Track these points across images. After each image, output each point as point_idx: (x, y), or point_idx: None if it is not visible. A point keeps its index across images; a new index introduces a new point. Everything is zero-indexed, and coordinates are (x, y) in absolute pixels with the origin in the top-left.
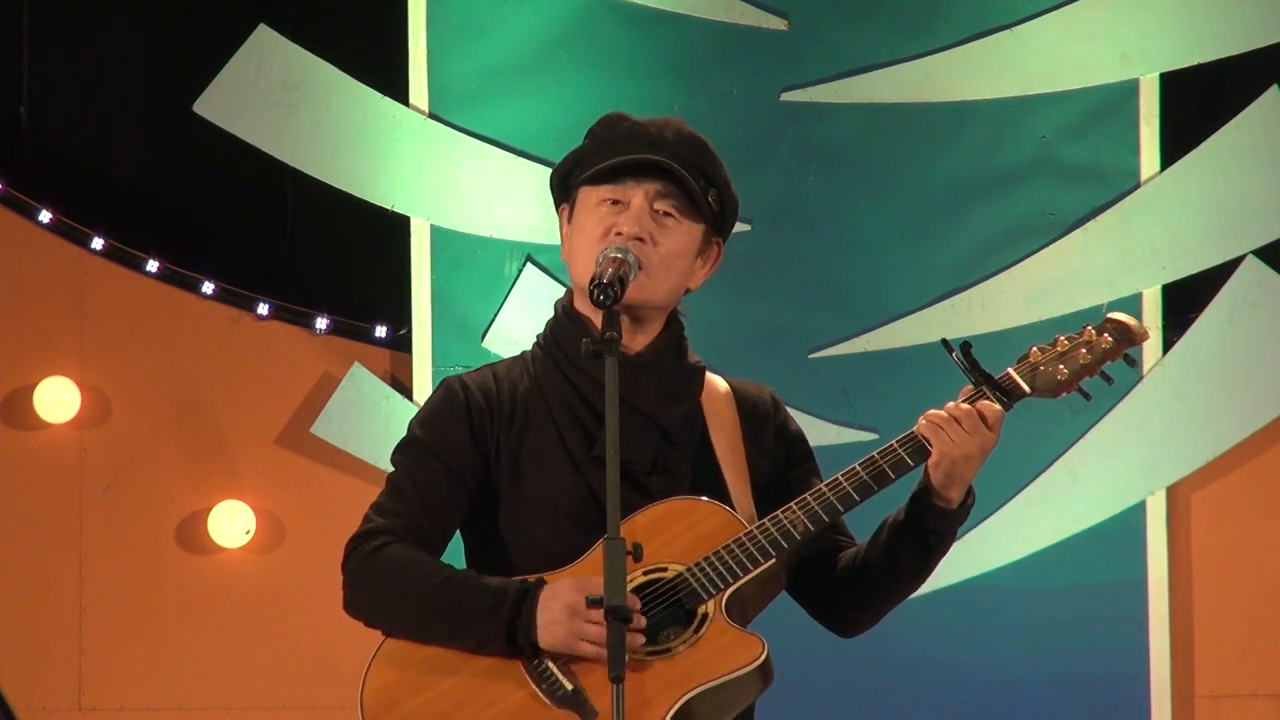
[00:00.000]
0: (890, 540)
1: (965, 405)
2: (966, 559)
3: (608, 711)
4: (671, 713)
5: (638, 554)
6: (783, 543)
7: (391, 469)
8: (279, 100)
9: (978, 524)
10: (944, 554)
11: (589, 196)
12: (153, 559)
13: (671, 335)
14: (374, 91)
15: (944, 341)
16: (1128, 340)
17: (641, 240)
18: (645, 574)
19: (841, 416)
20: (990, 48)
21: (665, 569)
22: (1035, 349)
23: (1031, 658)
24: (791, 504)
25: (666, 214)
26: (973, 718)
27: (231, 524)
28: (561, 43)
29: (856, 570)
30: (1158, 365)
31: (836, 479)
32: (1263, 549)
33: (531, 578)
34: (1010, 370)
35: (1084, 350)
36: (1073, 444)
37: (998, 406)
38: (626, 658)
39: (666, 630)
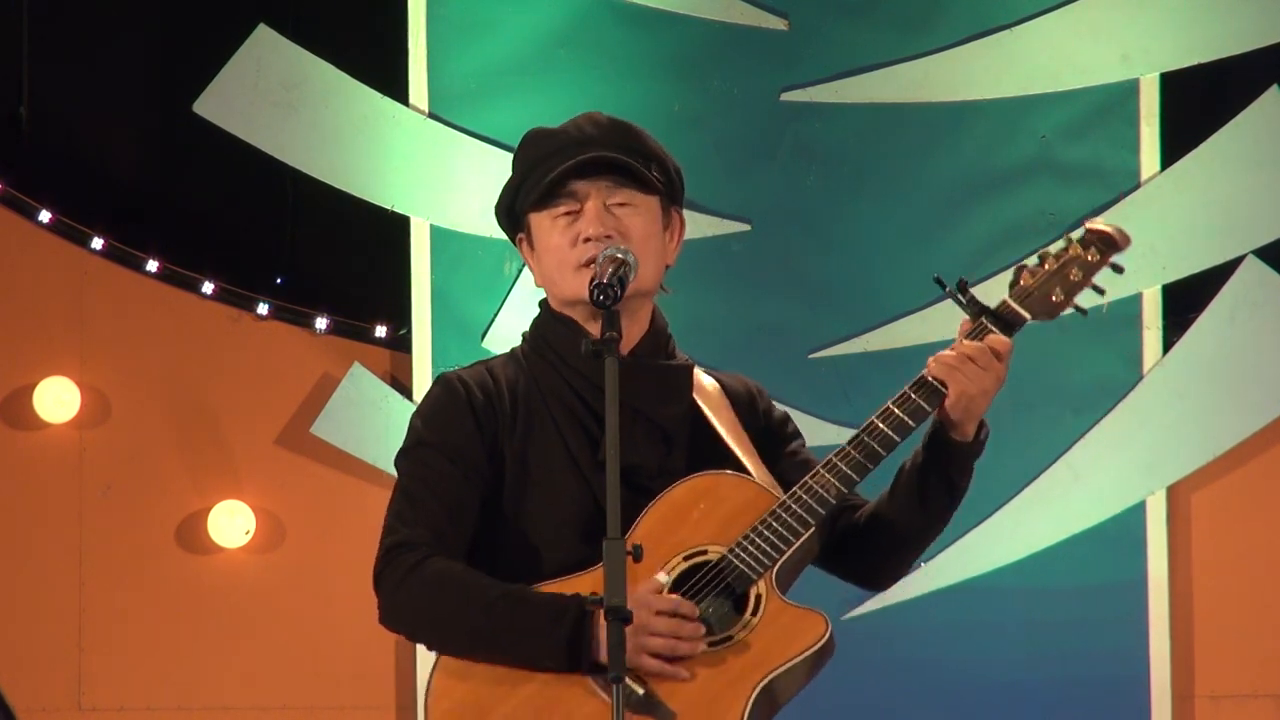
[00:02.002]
0: (913, 484)
1: (976, 342)
2: (966, 559)
3: (684, 710)
4: (750, 704)
5: (638, 555)
6: (819, 509)
7: (399, 473)
8: (279, 100)
9: (978, 524)
10: (967, 489)
11: (542, 220)
12: (153, 559)
13: (659, 333)
14: (374, 91)
15: (937, 279)
16: (1113, 249)
17: (610, 237)
18: (686, 559)
19: (841, 416)
20: (990, 48)
21: (705, 551)
22: (1025, 273)
23: (1031, 658)
24: (818, 468)
25: (621, 204)
26: (972, 718)
27: (231, 524)
28: (561, 42)
29: (882, 521)
30: (1158, 365)
31: (859, 437)
32: (1263, 549)
33: (585, 592)
34: (1007, 299)
35: (1074, 269)
36: (1073, 444)
37: (1007, 339)
38: (683, 676)
39: (722, 617)
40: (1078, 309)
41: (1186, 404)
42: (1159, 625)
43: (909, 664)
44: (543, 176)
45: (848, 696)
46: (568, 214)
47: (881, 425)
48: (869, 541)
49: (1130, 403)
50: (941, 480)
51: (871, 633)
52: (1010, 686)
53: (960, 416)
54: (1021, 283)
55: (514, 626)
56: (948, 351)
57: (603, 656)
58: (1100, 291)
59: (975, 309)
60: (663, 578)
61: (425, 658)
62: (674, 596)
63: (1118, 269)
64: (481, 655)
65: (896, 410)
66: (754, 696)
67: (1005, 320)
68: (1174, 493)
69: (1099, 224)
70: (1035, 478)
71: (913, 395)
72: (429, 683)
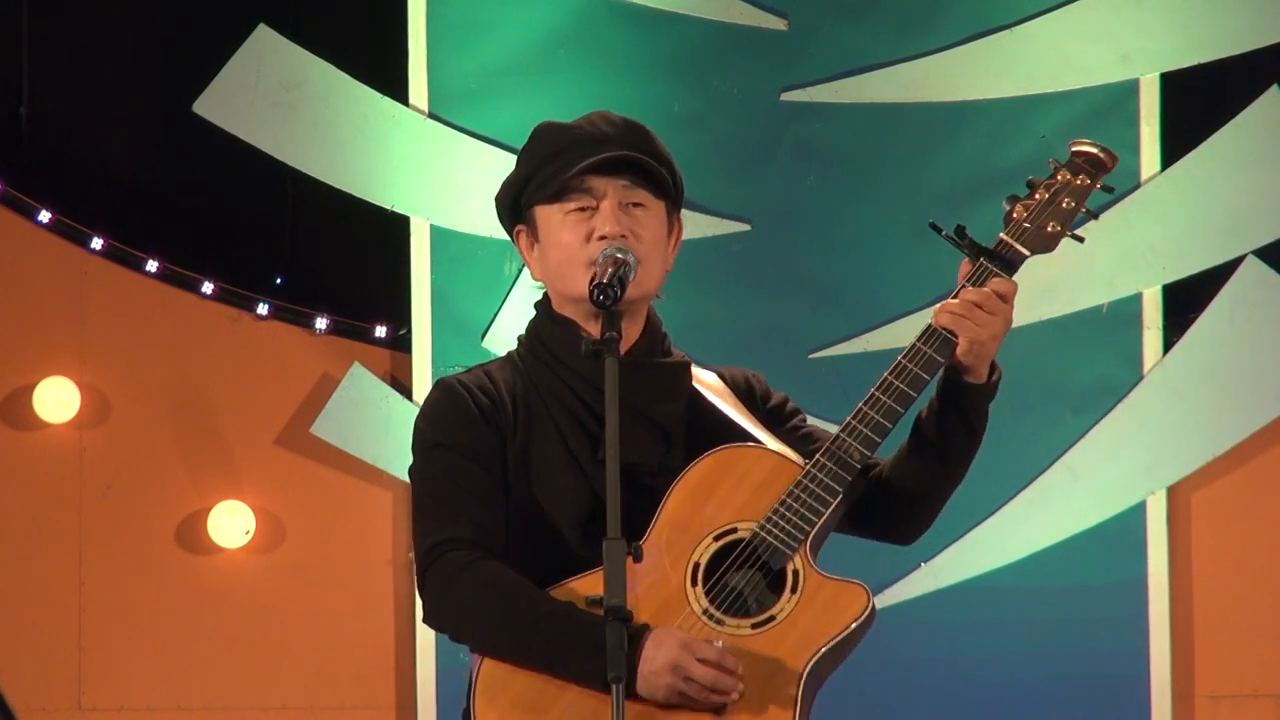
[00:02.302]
0: (931, 433)
1: (983, 289)
2: (966, 559)
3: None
4: (803, 683)
5: (637, 555)
6: (845, 475)
7: (418, 480)
8: (279, 100)
9: (978, 524)
10: (984, 430)
11: (552, 213)
12: (153, 559)
13: (655, 332)
14: (374, 91)
15: (933, 224)
16: (1101, 170)
17: (624, 237)
18: (716, 539)
19: (841, 416)
20: (990, 48)
21: (735, 529)
22: (1019, 207)
23: (1031, 658)
24: (839, 433)
25: (637, 205)
26: (972, 718)
27: (231, 524)
28: (561, 43)
29: (904, 475)
30: (1158, 365)
31: (875, 396)
32: (1263, 549)
33: (632, 620)
34: (1003, 237)
35: (1065, 197)
36: (1073, 444)
37: (1013, 282)
38: (729, 636)
39: (761, 595)
40: (1075, 237)
41: (1186, 404)
42: (1159, 625)
43: (909, 664)
44: (559, 170)
45: (848, 696)
46: (581, 210)
47: (896, 382)
48: (893, 498)
49: (1130, 403)
50: (960, 425)
51: (872, 632)
52: (1010, 686)
53: (972, 362)
54: (1015, 216)
55: (560, 645)
56: (952, 300)
57: (639, 687)
58: (1094, 215)
59: (974, 250)
60: (719, 645)
61: (425, 658)
62: (720, 648)
63: (1108, 189)
64: (522, 664)
65: (909, 365)
66: (805, 675)
67: (1005, 259)
68: (1174, 493)
69: (1085, 145)
70: (1035, 478)
71: (923, 348)
72: (469, 710)
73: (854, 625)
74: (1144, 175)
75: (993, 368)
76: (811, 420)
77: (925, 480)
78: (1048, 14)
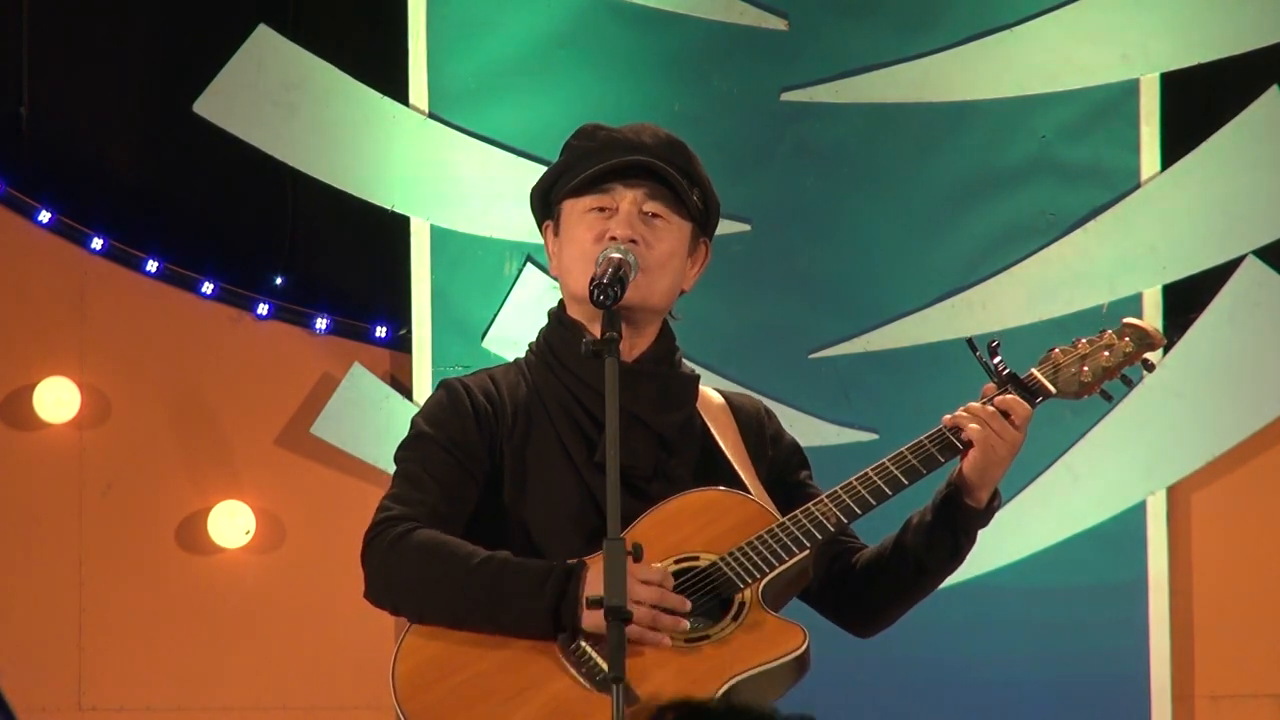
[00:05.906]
0: (917, 539)
1: (993, 407)
2: (967, 559)
3: (649, 695)
4: (716, 699)
5: (637, 554)
6: (816, 534)
7: (396, 462)
8: (279, 100)
9: None
10: (968, 554)
11: (574, 208)
12: (153, 559)
13: (665, 344)
14: (374, 91)
15: (969, 341)
16: (1146, 345)
17: (635, 242)
18: (677, 563)
19: (841, 416)
20: (990, 48)
21: (697, 558)
22: (1057, 350)
23: (1031, 658)
24: (822, 497)
25: (655, 215)
26: (972, 718)
27: (231, 524)
28: (562, 42)
29: (880, 569)
30: (1158, 365)
31: (866, 473)
32: (1263, 549)
33: (573, 560)
34: (1034, 370)
35: (1105, 353)
36: (1073, 444)
37: (1027, 406)
38: (665, 644)
39: (702, 619)
40: (1104, 394)
41: (1186, 404)
42: (1159, 625)
43: (909, 664)
44: (588, 167)
45: (848, 696)
46: (601, 210)
47: (891, 466)
48: (863, 588)
49: (1130, 403)
50: (946, 543)
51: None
52: (1010, 686)
53: (975, 479)
54: (1052, 358)
55: (498, 589)
56: (965, 411)
57: (584, 622)
58: (1129, 384)
59: (1002, 376)
60: (656, 565)
61: None
62: (660, 567)
63: (1149, 366)
64: (462, 621)
65: (909, 455)
66: (722, 693)
67: (1029, 390)
68: (1174, 493)
69: (1136, 320)
70: (1035, 478)
71: (926, 443)
72: (399, 643)
73: (782, 659)
74: (1144, 175)
75: (994, 495)
76: (811, 420)
77: (896, 582)
78: (1048, 14)
